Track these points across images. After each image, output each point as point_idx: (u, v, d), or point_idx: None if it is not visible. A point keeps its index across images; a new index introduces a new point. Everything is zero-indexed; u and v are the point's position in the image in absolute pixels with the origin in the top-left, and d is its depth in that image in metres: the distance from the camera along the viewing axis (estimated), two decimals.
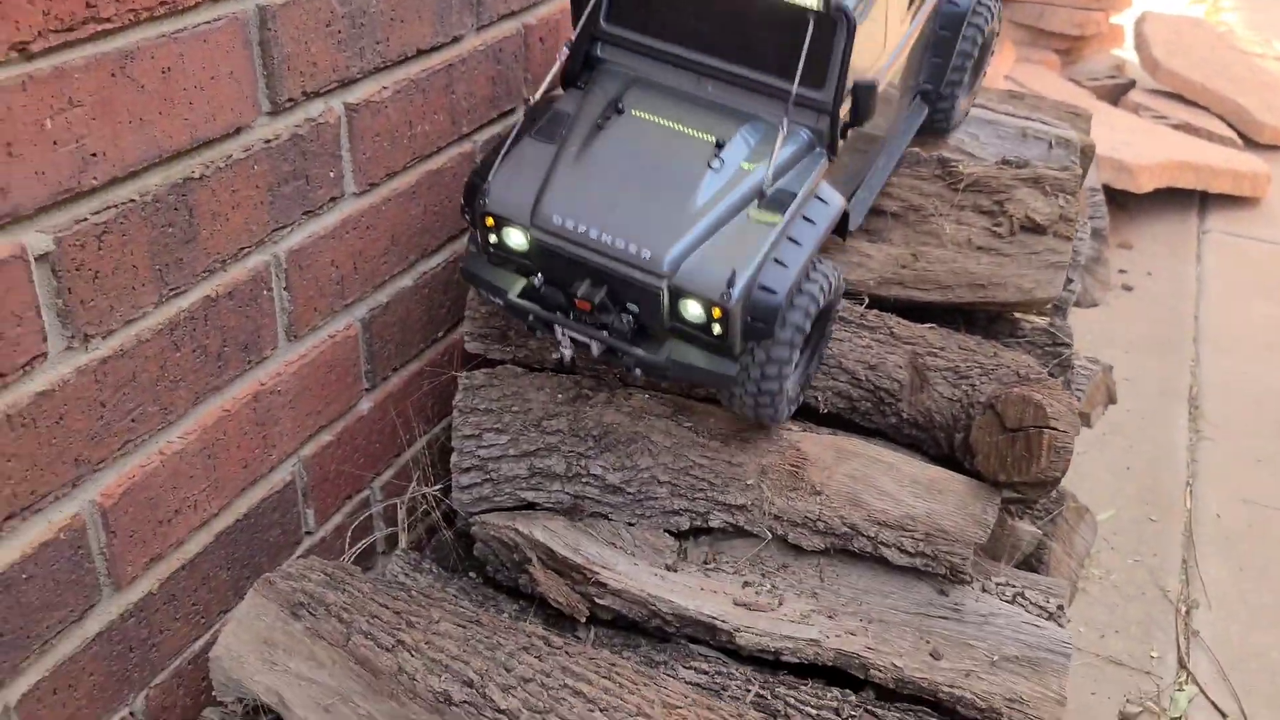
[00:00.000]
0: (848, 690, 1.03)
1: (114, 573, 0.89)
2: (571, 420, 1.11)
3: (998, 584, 1.12)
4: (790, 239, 0.97)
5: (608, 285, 0.97)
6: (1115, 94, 3.26)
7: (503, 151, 1.00)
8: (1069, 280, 1.44)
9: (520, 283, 1.03)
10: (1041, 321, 1.30)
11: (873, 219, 1.23)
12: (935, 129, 1.33)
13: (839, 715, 0.99)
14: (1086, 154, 1.39)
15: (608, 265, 0.96)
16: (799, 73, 0.96)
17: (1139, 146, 2.54)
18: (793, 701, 1.00)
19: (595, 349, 1.01)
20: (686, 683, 1.01)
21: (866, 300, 1.20)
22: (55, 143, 0.75)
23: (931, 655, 1.03)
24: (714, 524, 1.10)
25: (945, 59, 1.26)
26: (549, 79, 1.03)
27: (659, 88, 1.04)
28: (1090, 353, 1.97)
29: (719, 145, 0.98)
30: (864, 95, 0.99)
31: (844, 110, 1.00)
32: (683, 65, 1.03)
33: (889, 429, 1.15)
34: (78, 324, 0.80)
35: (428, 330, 1.22)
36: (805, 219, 0.98)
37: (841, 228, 1.07)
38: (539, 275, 1.00)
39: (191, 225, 0.88)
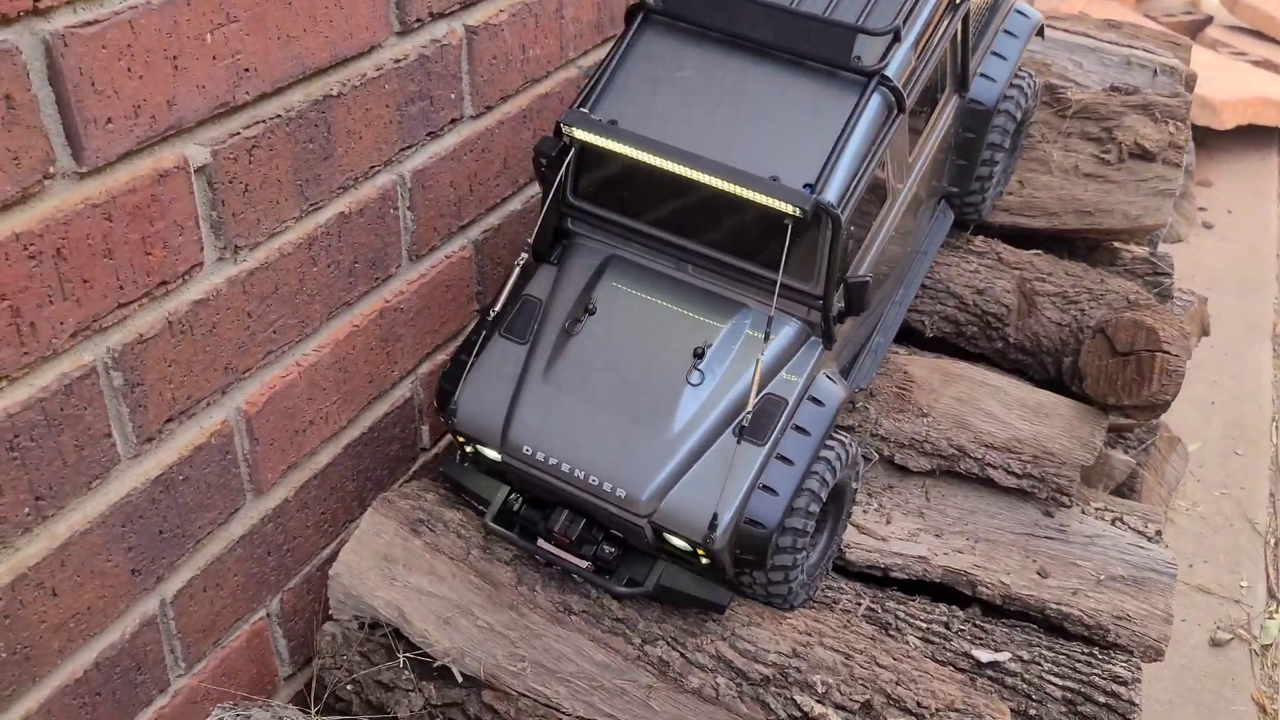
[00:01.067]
0: (954, 606, 1.05)
1: (255, 479, 0.93)
2: None
3: (1096, 509, 1.13)
4: (781, 458, 0.87)
5: (586, 516, 0.92)
6: (1191, 30, 3.20)
7: (474, 351, 0.94)
8: None
9: (502, 492, 0.97)
10: (1142, 251, 1.30)
11: None
12: (964, 223, 1.20)
13: (949, 629, 1.01)
14: (1190, 83, 1.37)
15: (584, 498, 0.89)
16: (782, 270, 0.87)
17: (1220, 82, 2.50)
18: (903, 615, 1.02)
19: (578, 578, 0.95)
20: None
21: (973, 226, 1.21)
22: (214, 57, 0.77)
23: (1039, 574, 1.05)
24: None
25: (971, 160, 1.13)
26: (505, 291, 0.95)
27: (635, 272, 0.95)
28: None
29: (698, 355, 0.89)
30: (857, 291, 0.89)
31: (838, 299, 0.91)
32: (658, 245, 0.94)
33: (994, 353, 1.16)
34: (229, 235, 0.83)
35: None
36: (798, 429, 0.89)
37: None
38: (516, 496, 0.96)
39: (329, 142, 0.90)
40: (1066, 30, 1.37)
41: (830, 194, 0.86)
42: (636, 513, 0.87)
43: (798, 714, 0.88)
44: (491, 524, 0.95)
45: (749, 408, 0.87)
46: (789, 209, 0.85)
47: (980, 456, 1.08)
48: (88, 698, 0.82)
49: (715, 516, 0.85)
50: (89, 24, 0.68)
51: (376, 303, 1.01)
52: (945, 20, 0.98)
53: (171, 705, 0.90)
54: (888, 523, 1.07)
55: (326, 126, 0.89)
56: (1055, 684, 0.97)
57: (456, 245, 1.10)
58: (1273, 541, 1.49)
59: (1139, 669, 0.99)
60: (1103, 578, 1.04)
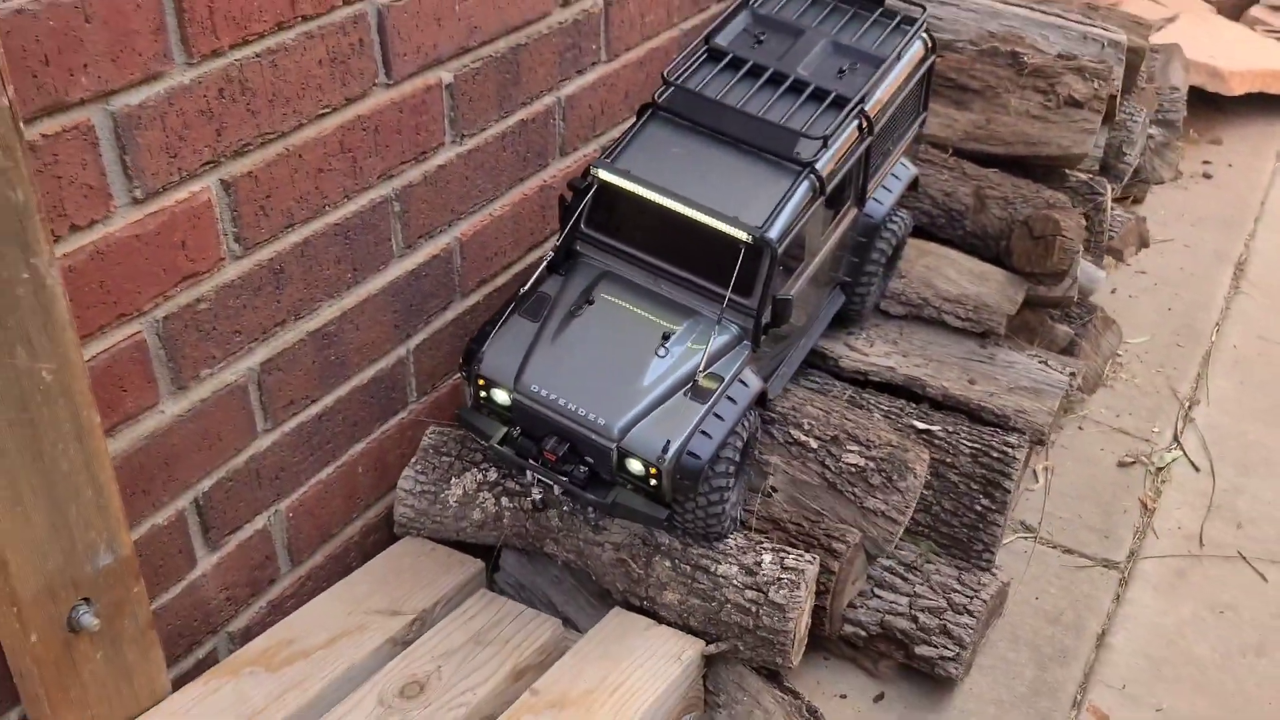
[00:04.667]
0: (908, 402, 1.56)
1: (462, 285, 1.48)
2: None
3: (1028, 354, 1.63)
4: (715, 414, 1.22)
5: (570, 442, 1.23)
6: (1237, 8, 3.56)
7: (497, 326, 1.29)
8: (1122, 154, 1.91)
9: (501, 430, 1.29)
10: (1084, 176, 1.78)
11: (958, 93, 1.72)
12: (849, 314, 1.56)
13: (903, 412, 1.53)
14: (1137, 53, 1.84)
15: (571, 427, 1.22)
16: (731, 286, 1.23)
17: (1236, 55, 2.89)
18: (872, 403, 1.54)
19: (556, 490, 1.28)
20: (803, 386, 1.56)
21: (952, 150, 1.71)
22: (459, 19, 1.31)
23: (969, 382, 1.55)
24: None
25: (861, 259, 1.50)
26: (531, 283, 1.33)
27: (623, 282, 1.31)
28: (1162, 226, 2.42)
29: (665, 337, 1.25)
30: (782, 307, 1.25)
31: (766, 314, 1.26)
32: (642, 265, 1.31)
33: (955, 238, 1.67)
34: (459, 127, 1.37)
35: None
36: (729, 398, 1.24)
37: (762, 400, 1.31)
38: (517, 428, 1.28)
39: (518, 74, 1.44)
40: (1043, 11, 1.84)
41: (772, 233, 1.24)
42: (610, 438, 1.21)
43: (790, 440, 1.41)
44: (496, 446, 1.29)
45: (700, 375, 1.23)
46: (744, 236, 1.23)
47: (938, 306, 1.59)
48: (367, 398, 1.38)
49: (667, 444, 1.20)
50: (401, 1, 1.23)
51: (538, 181, 1.56)
52: (857, 143, 1.37)
53: (408, 419, 1.47)
54: (870, 346, 1.59)
55: (516, 64, 1.43)
56: (967, 445, 1.48)
57: (590, 149, 1.64)
58: (1187, 404, 1.96)
59: (1025, 442, 1.49)
60: (1012, 387, 1.55)
